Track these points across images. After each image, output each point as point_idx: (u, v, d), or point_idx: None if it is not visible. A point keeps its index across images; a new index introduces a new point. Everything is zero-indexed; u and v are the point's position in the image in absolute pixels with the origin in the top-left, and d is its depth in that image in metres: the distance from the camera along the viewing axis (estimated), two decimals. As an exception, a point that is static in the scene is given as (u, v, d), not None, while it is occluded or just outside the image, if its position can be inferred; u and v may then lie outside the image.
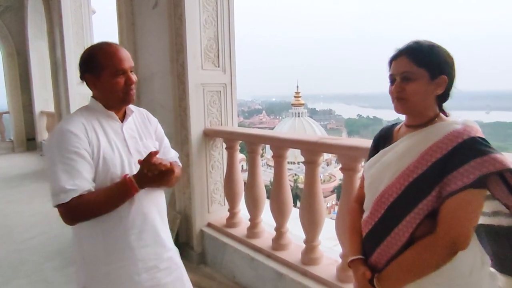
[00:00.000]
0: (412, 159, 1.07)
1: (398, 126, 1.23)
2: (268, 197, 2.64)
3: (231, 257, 2.69)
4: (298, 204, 2.39)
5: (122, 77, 1.28)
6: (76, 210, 1.18)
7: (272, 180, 2.51)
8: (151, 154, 1.23)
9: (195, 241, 2.98)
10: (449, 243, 1.00)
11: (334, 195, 33.43)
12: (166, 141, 1.56)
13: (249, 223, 2.70)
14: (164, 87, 3.02)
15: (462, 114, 1.16)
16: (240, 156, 3.05)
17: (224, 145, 2.94)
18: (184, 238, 3.09)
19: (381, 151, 1.20)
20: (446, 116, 1.13)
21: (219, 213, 3.06)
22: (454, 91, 1.12)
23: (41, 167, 6.87)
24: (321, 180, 2.35)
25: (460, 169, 0.98)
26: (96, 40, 1.40)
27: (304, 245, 2.26)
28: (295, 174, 35.58)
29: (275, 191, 2.45)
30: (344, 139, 2.08)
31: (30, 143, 8.78)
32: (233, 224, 2.86)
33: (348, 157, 1.93)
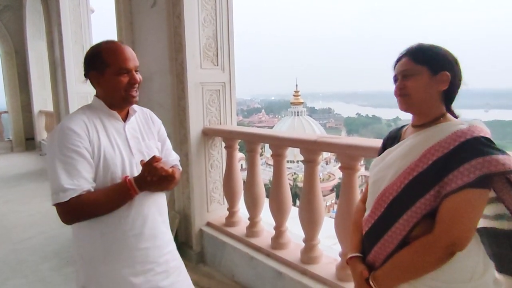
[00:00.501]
0: (414, 158, 1.07)
1: (406, 127, 1.24)
2: (267, 196, 2.64)
3: (231, 256, 2.68)
4: (298, 203, 2.39)
5: (126, 76, 1.28)
6: (74, 210, 1.18)
7: (271, 179, 2.51)
8: (154, 158, 1.22)
9: (194, 240, 2.98)
10: (447, 244, 0.98)
11: (333, 194, 33.45)
12: (168, 143, 1.55)
13: (248, 222, 2.70)
14: (163, 87, 3.01)
15: (461, 112, 1.15)
16: (239, 155, 3.05)
17: (223, 144, 2.93)
18: (183, 238, 3.08)
19: (387, 150, 1.21)
20: (456, 116, 1.12)
21: (218, 212, 3.06)
22: (461, 91, 1.11)
23: (40, 166, 6.85)
24: (320, 179, 2.35)
25: (460, 168, 0.97)
26: (95, 39, 1.39)
27: (303, 244, 2.26)
28: (294, 173, 35.60)
29: (274, 190, 2.44)
30: (343, 138, 2.07)
31: (28, 142, 8.77)
32: (233, 223, 2.86)
33: (347, 156, 1.93)
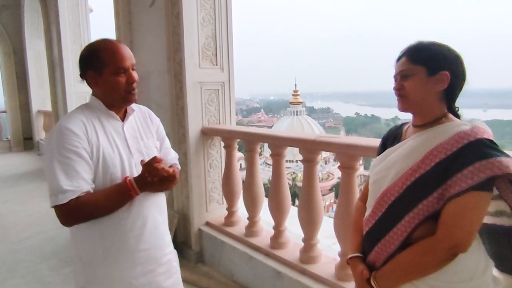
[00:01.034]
0: (416, 159, 1.06)
1: (406, 126, 1.22)
2: (266, 196, 2.64)
3: (229, 255, 2.68)
4: (297, 202, 2.38)
5: (123, 75, 1.26)
6: (73, 212, 1.15)
7: (270, 178, 2.51)
8: (155, 159, 1.21)
9: (193, 240, 2.98)
10: (450, 246, 0.97)
11: (332, 193, 33.49)
12: (167, 141, 1.54)
13: (247, 221, 2.70)
14: (161, 86, 3.01)
15: (462, 112, 1.14)
16: (238, 155, 3.04)
17: (222, 144, 2.93)
18: (182, 237, 3.08)
19: (387, 150, 1.20)
20: (458, 116, 1.11)
21: (217, 211, 3.06)
22: (464, 89, 1.10)
23: (38, 166, 6.84)
24: (319, 178, 2.34)
25: (464, 171, 0.96)
26: (94, 38, 1.37)
27: (302, 244, 2.26)
28: (294, 173, 35.59)
29: (273, 189, 2.44)
30: (342, 137, 2.07)
31: (27, 142, 8.74)
32: (232, 223, 2.86)
33: (346, 156, 1.93)
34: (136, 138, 1.35)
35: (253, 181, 2.64)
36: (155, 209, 1.36)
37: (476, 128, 1.00)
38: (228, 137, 2.82)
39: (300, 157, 2.22)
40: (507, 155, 0.96)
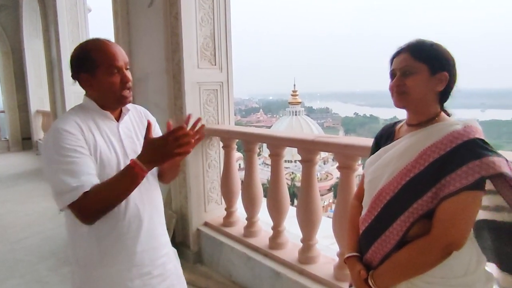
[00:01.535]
0: (411, 158, 1.07)
1: (400, 125, 1.23)
2: (265, 196, 2.64)
3: (228, 256, 2.68)
4: (295, 202, 2.39)
5: (117, 75, 1.22)
6: (88, 206, 1.11)
7: (269, 178, 2.51)
8: (182, 127, 1.09)
9: (192, 240, 2.98)
10: (445, 245, 1.00)
11: (331, 194, 33.51)
12: None
13: (246, 222, 2.70)
14: (160, 87, 3.00)
15: (457, 112, 1.16)
16: (237, 155, 3.05)
17: (221, 144, 2.93)
18: (180, 238, 3.08)
19: (382, 149, 1.20)
20: (448, 115, 1.13)
21: (216, 212, 3.06)
22: (454, 90, 1.12)
23: (37, 166, 6.82)
24: (318, 178, 2.35)
25: (458, 171, 0.97)
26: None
27: (301, 244, 2.26)
28: (292, 173, 35.60)
29: (272, 189, 2.44)
30: (341, 138, 2.07)
31: (25, 142, 8.72)
32: (230, 223, 2.86)
33: (345, 156, 1.93)
34: (131, 138, 1.33)
35: (251, 181, 2.65)
36: (151, 210, 1.34)
37: (469, 128, 1.02)
38: (226, 137, 2.82)
39: (299, 157, 2.23)
40: (499, 154, 0.98)
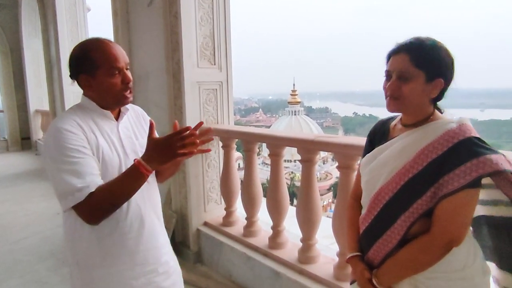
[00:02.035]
0: (408, 159, 1.07)
1: (394, 122, 1.23)
2: (264, 196, 2.63)
3: (228, 256, 2.68)
4: (295, 202, 2.38)
5: (118, 76, 1.21)
6: (93, 207, 1.10)
7: (268, 178, 2.51)
8: (187, 128, 1.11)
9: (192, 240, 2.97)
10: (445, 242, 1.02)
11: (331, 193, 33.55)
12: None
13: (245, 221, 2.70)
14: (159, 86, 3.00)
15: (456, 112, 1.16)
16: (236, 155, 3.04)
17: (221, 144, 2.92)
18: (180, 237, 3.08)
19: (378, 148, 1.20)
20: (441, 112, 1.13)
21: (215, 212, 3.05)
22: (450, 90, 1.11)
23: (36, 166, 6.81)
24: (317, 178, 2.34)
25: (456, 170, 0.99)
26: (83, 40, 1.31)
27: (301, 244, 2.26)
28: (292, 172, 35.62)
29: (271, 189, 2.44)
30: (341, 137, 2.07)
31: (24, 142, 8.71)
32: (230, 223, 2.85)
33: (345, 155, 1.93)
34: (130, 138, 1.33)
35: (251, 181, 2.64)
36: (152, 209, 1.34)
37: (464, 126, 1.03)
38: (226, 137, 2.82)
39: (298, 157, 2.22)
40: (496, 152, 0.99)
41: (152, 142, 1.14)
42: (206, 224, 2.99)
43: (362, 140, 1.83)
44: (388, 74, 1.10)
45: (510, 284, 1.10)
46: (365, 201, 1.22)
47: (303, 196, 2.19)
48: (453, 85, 1.10)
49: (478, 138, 1.01)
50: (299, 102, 50.17)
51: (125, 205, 1.22)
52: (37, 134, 8.49)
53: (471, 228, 1.12)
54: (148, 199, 1.33)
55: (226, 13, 2.90)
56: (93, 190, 1.10)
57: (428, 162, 1.03)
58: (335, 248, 2.11)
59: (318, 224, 2.20)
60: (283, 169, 2.49)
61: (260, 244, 2.51)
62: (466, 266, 1.05)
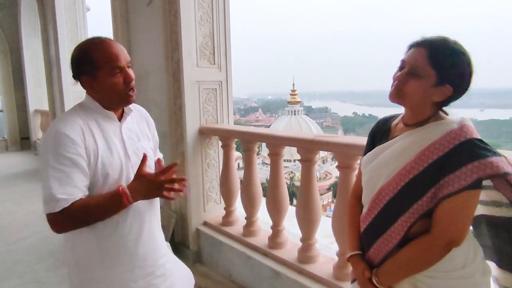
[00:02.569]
0: (409, 159, 1.07)
1: (396, 121, 1.22)
2: (264, 195, 2.63)
3: (227, 255, 2.68)
4: (295, 202, 2.38)
5: (119, 75, 1.20)
6: (66, 219, 1.12)
7: (268, 178, 2.50)
8: (173, 171, 1.18)
9: (191, 239, 2.97)
10: (446, 243, 1.02)
11: (330, 193, 33.56)
12: (157, 144, 1.54)
13: (245, 221, 2.69)
14: (159, 85, 2.99)
15: (456, 112, 1.15)
16: (236, 154, 3.04)
17: (220, 143, 2.92)
18: (179, 237, 3.07)
19: (379, 147, 1.19)
20: (445, 113, 1.11)
21: (215, 211, 3.05)
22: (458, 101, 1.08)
23: (35, 166, 6.80)
24: (317, 177, 2.34)
25: (457, 172, 0.98)
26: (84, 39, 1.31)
27: (300, 243, 2.26)
28: (291, 172, 35.63)
29: (271, 189, 2.44)
30: (340, 137, 2.07)
31: (24, 142, 8.69)
32: (229, 223, 2.85)
33: (344, 155, 1.93)
34: (133, 139, 1.32)
35: (251, 181, 2.64)
36: (150, 211, 1.34)
37: (466, 128, 1.02)
38: (226, 136, 2.81)
39: (298, 157, 2.22)
40: (498, 154, 0.98)
41: (139, 176, 1.19)
42: (205, 223, 2.99)
43: (362, 140, 1.83)
44: (402, 65, 1.07)
45: (510, 284, 1.11)
46: (365, 200, 1.22)
47: (302, 195, 2.19)
48: (464, 97, 1.06)
49: (480, 140, 1.00)
50: (299, 101, 50.20)
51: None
52: (37, 134, 8.48)
53: (471, 227, 1.12)
54: (148, 201, 1.32)
55: (225, 13, 2.90)
56: (68, 204, 1.11)
57: (429, 163, 1.03)
58: (335, 247, 2.11)
59: (317, 224, 2.20)
60: (282, 168, 2.49)
61: (259, 243, 2.51)
62: (466, 265, 1.06)
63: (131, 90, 1.24)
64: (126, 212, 1.23)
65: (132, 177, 1.23)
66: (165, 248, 1.45)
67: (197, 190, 2.94)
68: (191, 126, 2.83)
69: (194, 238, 2.98)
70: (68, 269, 1.31)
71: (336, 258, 2.05)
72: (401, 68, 1.08)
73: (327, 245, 2.40)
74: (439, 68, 1.01)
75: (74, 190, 1.12)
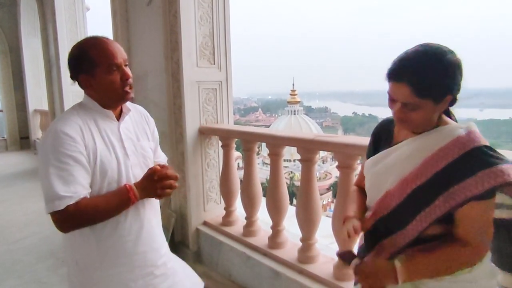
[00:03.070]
0: (415, 165, 1.05)
1: None
2: (264, 195, 2.63)
3: (227, 255, 2.68)
4: (295, 202, 2.38)
5: (116, 73, 1.21)
6: (71, 218, 1.12)
7: (268, 178, 2.50)
8: (169, 168, 1.22)
9: (191, 239, 2.97)
10: (483, 256, 0.99)
11: (330, 193, 33.58)
12: (158, 145, 1.54)
13: (245, 221, 2.69)
14: (158, 85, 2.99)
15: (456, 112, 1.13)
16: (236, 154, 3.04)
17: (220, 143, 2.92)
18: (179, 237, 3.07)
19: (385, 152, 1.16)
20: (449, 115, 1.10)
21: (215, 211, 3.05)
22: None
23: (35, 166, 6.80)
24: (317, 177, 2.34)
25: (467, 180, 0.95)
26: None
27: (300, 243, 2.26)
28: (291, 172, 35.65)
29: (271, 189, 2.44)
30: (340, 137, 2.07)
31: (23, 141, 8.70)
32: (229, 223, 2.85)
33: (344, 155, 1.93)
34: (131, 139, 1.32)
35: (250, 181, 2.64)
36: (150, 211, 1.34)
37: (473, 134, 0.99)
38: (225, 136, 2.81)
39: (298, 157, 2.22)
40: (507, 161, 0.95)
41: (149, 174, 1.23)
42: (205, 223, 2.99)
43: (362, 140, 1.83)
44: (391, 98, 1.03)
45: (509, 284, 1.10)
46: (370, 202, 1.20)
47: (302, 195, 2.19)
48: (464, 97, 1.04)
49: (489, 147, 0.98)
50: (299, 101, 50.21)
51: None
52: (36, 133, 8.48)
53: None
54: (148, 201, 1.32)
55: (225, 13, 2.90)
56: (73, 202, 1.10)
57: (435, 171, 1.00)
58: (335, 247, 2.11)
59: (317, 224, 2.20)
60: (282, 168, 2.48)
61: (259, 243, 2.51)
62: (473, 269, 1.03)
63: (128, 87, 1.25)
64: (126, 212, 1.24)
65: (131, 176, 1.25)
66: (166, 248, 1.44)
67: (197, 190, 2.94)
68: (191, 126, 2.83)
69: (194, 238, 2.98)
70: (68, 269, 1.31)
71: (336, 258, 2.05)
72: (391, 100, 1.04)
73: (327, 245, 2.40)
74: (430, 95, 0.97)
75: (78, 187, 1.12)
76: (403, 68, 0.98)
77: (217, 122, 2.97)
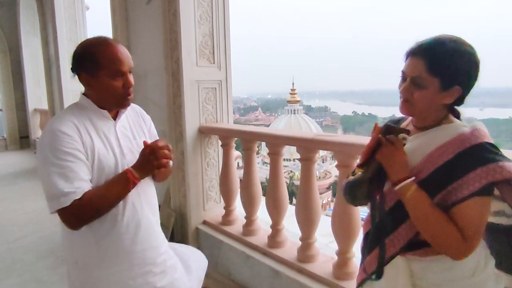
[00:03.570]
0: (417, 161, 1.05)
1: (405, 123, 1.20)
2: (264, 194, 2.63)
3: (227, 254, 2.68)
4: (294, 201, 2.38)
5: (120, 79, 1.22)
6: (79, 212, 1.12)
7: (268, 177, 2.51)
8: (160, 140, 1.24)
9: (191, 239, 2.97)
10: (469, 252, 0.97)
11: (330, 192, 33.59)
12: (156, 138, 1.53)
13: (245, 220, 2.70)
14: (158, 84, 2.99)
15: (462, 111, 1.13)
16: (235, 153, 3.04)
17: (220, 142, 2.92)
18: (179, 236, 3.07)
19: None
20: (458, 116, 1.09)
21: (214, 210, 3.05)
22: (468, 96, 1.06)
23: (35, 165, 6.79)
24: (316, 177, 2.34)
25: (465, 177, 0.95)
26: (90, 36, 1.33)
27: (300, 243, 2.26)
28: (291, 171, 35.66)
29: (271, 188, 2.44)
30: (340, 136, 2.07)
31: (23, 141, 8.70)
32: (229, 222, 2.85)
33: (344, 154, 1.93)
34: (128, 137, 1.32)
35: (250, 180, 2.64)
36: (148, 209, 1.34)
37: (477, 131, 0.98)
38: (225, 135, 2.81)
39: (298, 156, 2.22)
40: (508, 159, 0.95)
41: (141, 153, 1.24)
42: (205, 223, 2.99)
43: (361, 139, 1.84)
44: (404, 76, 1.05)
45: (509, 284, 1.10)
46: None
47: (302, 195, 2.19)
48: (475, 89, 1.03)
49: (491, 144, 0.97)
50: (298, 101, 50.20)
51: (121, 205, 1.23)
52: (36, 133, 8.48)
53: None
54: (145, 199, 1.33)
55: (225, 12, 2.90)
56: (79, 196, 1.11)
57: (435, 168, 1.00)
58: (334, 246, 2.11)
59: (317, 223, 2.20)
60: (282, 168, 2.49)
61: (259, 243, 2.51)
62: (476, 274, 1.02)
63: (128, 95, 1.26)
64: (123, 210, 1.24)
65: None
66: (166, 246, 1.45)
67: (197, 189, 2.94)
68: (191, 125, 2.83)
69: (193, 237, 2.98)
70: (68, 268, 1.32)
71: (336, 257, 2.05)
72: (403, 79, 1.06)
73: (327, 244, 2.41)
74: (440, 74, 0.98)
75: (81, 182, 1.13)
76: (423, 44, 1.01)
77: (216, 122, 2.97)
